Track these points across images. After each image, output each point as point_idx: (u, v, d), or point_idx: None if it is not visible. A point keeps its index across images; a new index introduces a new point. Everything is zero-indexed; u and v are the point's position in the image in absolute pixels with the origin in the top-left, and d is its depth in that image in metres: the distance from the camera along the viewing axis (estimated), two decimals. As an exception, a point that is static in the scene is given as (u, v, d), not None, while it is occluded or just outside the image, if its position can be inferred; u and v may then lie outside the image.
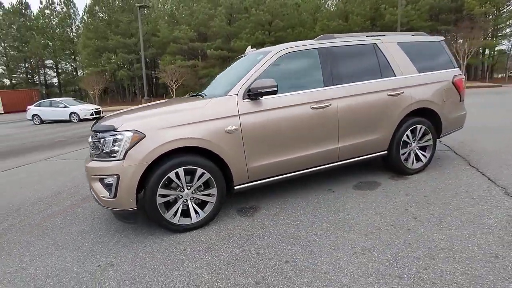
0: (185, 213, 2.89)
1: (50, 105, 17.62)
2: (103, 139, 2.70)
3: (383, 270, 2.07)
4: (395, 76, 3.64)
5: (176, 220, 2.82)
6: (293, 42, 3.40)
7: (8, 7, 46.34)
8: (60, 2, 48.46)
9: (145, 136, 2.63)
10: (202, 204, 2.95)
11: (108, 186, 2.67)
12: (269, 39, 29.10)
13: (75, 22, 47.66)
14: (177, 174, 2.74)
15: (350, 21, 30.28)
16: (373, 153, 3.64)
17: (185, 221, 2.87)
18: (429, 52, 4.02)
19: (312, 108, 3.18)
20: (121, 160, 2.60)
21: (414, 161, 3.87)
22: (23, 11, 46.94)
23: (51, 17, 47.09)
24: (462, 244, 2.28)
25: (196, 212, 2.90)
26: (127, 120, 2.74)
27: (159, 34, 33.29)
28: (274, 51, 3.23)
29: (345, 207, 3.10)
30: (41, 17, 46.78)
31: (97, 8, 36.88)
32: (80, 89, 34.65)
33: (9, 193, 4.56)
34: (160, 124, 2.70)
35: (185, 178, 2.80)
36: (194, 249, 2.56)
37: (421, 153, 3.93)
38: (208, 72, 29.39)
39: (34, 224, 3.36)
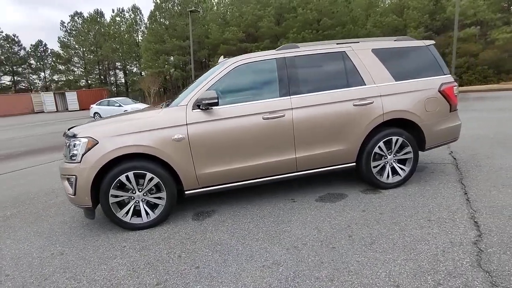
0: (138, 213, 3.16)
1: (108, 104, 19.68)
2: (68, 144, 3.09)
3: (274, 286, 2.08)
4: (365, 85, 3.47)
5: (127, 219, 3.11)
6: (251, 53, 3.46)
7: (87, 16, 52.56)
8: (129, 9, 53.39)
9: (98, 143, 2.95)
10: (155, 206, 3.19)
11: (71, 185, 3.06)
12: (316, 38, 28.52)
13: (140, 28, 52.12)
14: (127, 177, 3.02)
15: (405, 16, 28.17)
16: (339, 165, 3.52)
17: (137, 221, 3.14)
18: (413, 59, 3.73)
19: (264, 119, 3.21)
20: (78, 162, 2.97)
21: (390, 174, 3.64)
22: (99, 19, 52.79)
23: (121, 24, 52.16)
24: (374, 269, 2.16)
25: (147, 213, 3.15)
26: (87, 128, 3.10)
27: (211, 36, 34.82)
28: (229, 63, 3.33)
29: (291, 219, 3.08)
30: (112, 24, 52.11)
31: (157, 13, 39.92)
32: (142, 89, 37.96)
33: (37, 183, 5.35)
34: (113, 132, 3.01)
35: (136, 182, 3.07)
36: (132, 246, 2.82)
37: (399, 167, 3.67)
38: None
39: (34, 212, 3.94)
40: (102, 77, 55.47)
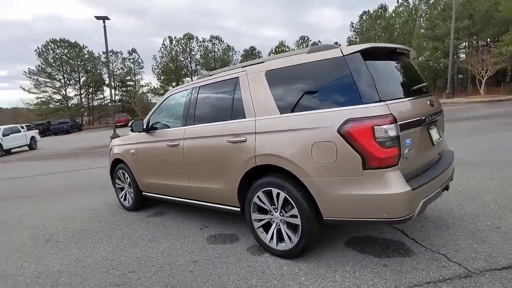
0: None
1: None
2: (114, 146, 5.09)
3: (49, 270, 2.94)
4: (245, 118, 2.80)
5: (122, 201, 4.69)
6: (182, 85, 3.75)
7: (371, 13, 55.67)
8: (413, -3, 50.67)
9: (111, 148, 4.72)
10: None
11: (114, 171, 5.06)
12: None
13: (422, 15, 48.12)
14: (118, 173, 4.59)
15: None
16: (224, 205, 3.14)
17: (125, 204, 4.64)
18: (320, 78, 2.41)
19: (168, 146, 3.57)
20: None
21: (275, 238, 2.70)
22: (381, 13, 54.35)
23: (402, 14, 50.80)
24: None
25: (128, 201, 4.56)
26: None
27: (501, 9, 26.21)
28: (166, 93, 3.89)
29: (154, 245, 3.35)
30: (393, 16, 51.95)
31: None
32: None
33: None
34: (115, 143, 4.65)
35: (125, 178, 4.56)
36: (105, 219, 4.38)
37: (287, 232, 2.62)
38: None
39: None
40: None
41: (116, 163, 4.62)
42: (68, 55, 53.41)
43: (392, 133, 2.05)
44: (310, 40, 64.57)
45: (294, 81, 2.57)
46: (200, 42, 60.77)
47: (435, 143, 2.53)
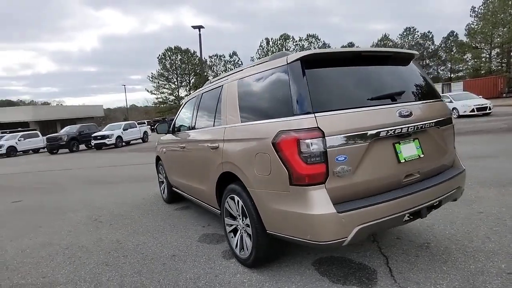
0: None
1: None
2: (163, 144, 5.80)
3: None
4: (221, 125, 2.90)
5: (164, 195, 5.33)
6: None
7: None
8: None
9: (156, 146, 5.40)
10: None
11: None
12: None
13: None
14: (158, 169, 5.24)
15: None
16: (210, 205, 3.31)
17: (163, 196, 5.26)
18: (270, 87, 2.33)
19: (180, 147, 3.93)
20: (156, 155, 5.64)
21: (239, 245, 2.73)
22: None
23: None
24: (70, 268, 2.99)
25: (164, 191, 5.16)
26: (160, 137, 5.62)
27: None
28: (186, 98, 4.26)
29: (159, 233, 3.74)
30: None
31: None
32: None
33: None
34: (158, 142, 5.29)
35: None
36: (137, 204, 5.08)
37: (246, 240, 2.61)
38: None
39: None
40: (503, 62, 47.49)
41: (158, 160, 5.27)
42: (181, 60, 61.24)
43: (317, 148, 1.86)
44: (417, 31, 57.67)
45: (253, 89, 2.55)
46: (296, 41, 61.14)
47: (402, 161, 2.12)
